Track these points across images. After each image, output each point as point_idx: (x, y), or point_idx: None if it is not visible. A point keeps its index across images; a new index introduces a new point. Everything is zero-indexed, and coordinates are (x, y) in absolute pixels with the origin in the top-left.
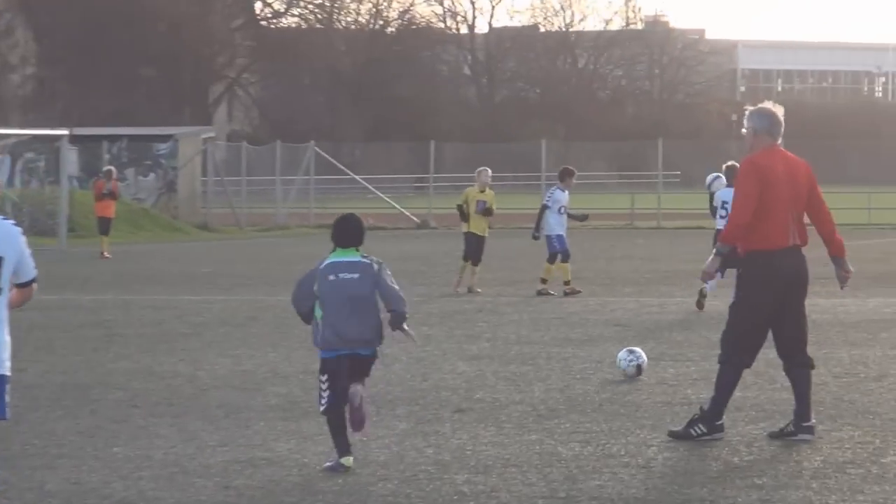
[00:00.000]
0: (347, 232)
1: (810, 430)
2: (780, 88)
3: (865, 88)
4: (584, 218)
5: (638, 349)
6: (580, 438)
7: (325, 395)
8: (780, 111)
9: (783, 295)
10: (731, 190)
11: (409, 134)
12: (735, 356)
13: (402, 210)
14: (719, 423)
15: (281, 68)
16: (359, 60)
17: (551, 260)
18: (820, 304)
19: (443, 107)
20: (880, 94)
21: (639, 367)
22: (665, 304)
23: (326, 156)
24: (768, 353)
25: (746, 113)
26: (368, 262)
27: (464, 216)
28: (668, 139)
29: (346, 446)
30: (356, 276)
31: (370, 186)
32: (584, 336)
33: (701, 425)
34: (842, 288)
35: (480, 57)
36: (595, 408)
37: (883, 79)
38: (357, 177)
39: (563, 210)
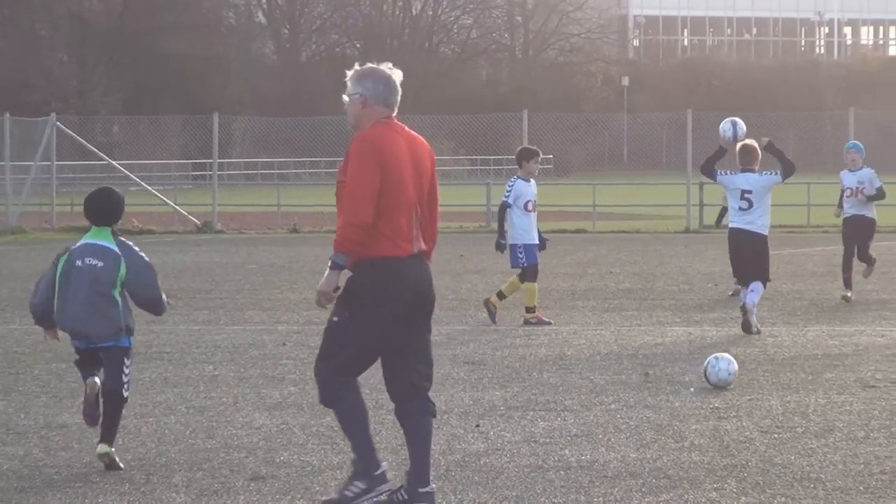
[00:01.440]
0: (102, 205)
1: (429, 498)
2: (686, 42)
3: (803, 42)
4: (542, 246)
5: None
6: None
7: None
8: (396, 75)
9: (405, 318)
10: (754, 176)
11: (184, 105)
12: (342, 390)
13: (177, 208)
14: (379, 472)
15: (7, 14)
16: (114, 5)
17: (526, 277)
18: (743, 334)
19: (230, 67)
20: (822, 51)
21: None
22: (533, 334)
23: (73, 134)
24: (673, 402)
25: (350, 74)
26: (117, 252)
27: None
28: (536, 111)
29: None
30: (101, 263)
31: (133, 175)
32: None
33: (358, 482)
34: None
35: None
36: (440, 474)
37: (826, 29)
38: (115, 162)
39: (531, 206)
